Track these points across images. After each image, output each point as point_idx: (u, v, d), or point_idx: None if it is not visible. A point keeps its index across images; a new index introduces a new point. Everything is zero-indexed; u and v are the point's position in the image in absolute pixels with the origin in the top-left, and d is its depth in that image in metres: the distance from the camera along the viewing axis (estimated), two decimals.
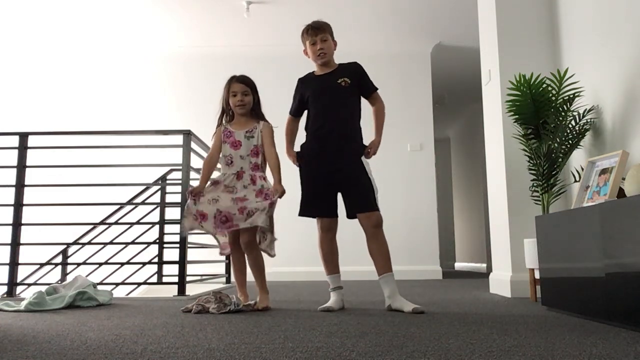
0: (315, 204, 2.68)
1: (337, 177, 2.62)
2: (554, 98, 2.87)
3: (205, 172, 2.77)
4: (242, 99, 2.75)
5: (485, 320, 2.13)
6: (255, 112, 2.81)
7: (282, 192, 2.65)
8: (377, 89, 2.79)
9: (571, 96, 2.88)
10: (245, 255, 2.75)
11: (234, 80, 2.78)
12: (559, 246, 2.41)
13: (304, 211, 2.70)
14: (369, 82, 2.77)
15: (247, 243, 2.67)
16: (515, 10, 3.48)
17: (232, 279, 5.07)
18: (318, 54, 2.70)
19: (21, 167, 3.67)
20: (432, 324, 2.00)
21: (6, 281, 3.58)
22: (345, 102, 2.69)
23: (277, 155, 2.74)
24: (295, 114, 2.84)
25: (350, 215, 2.65)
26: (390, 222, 5.35)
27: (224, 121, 2.84)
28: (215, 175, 2.80)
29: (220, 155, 2.77)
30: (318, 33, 2.70)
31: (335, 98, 2.69)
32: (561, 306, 2.39)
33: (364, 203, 2.59)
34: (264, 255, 2.75)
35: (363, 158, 2.65)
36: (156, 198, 4.60)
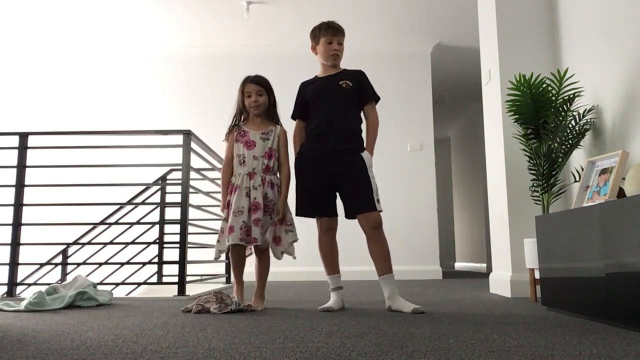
0: (314, 204, 2.67)
1: (334, 177, 2.61)
2: (554, 98, 2.87)
3: (225, 184, 2.75)
4: (256, 100, 2.75)
5: (485, 320, 2.13)
6: (271, 113, 2.82)
7: (284, 215, 2.71)
8: (375, 99, 2.75)
9: (571, 96, 2.88)
10: (257, 260, 2.78)
11: (248, 80, 2.78)
12: (559, 246, 2.41)
13: (303, 211, 2.69)
14: (369, 90, 2.74)
15: (262, 252, 2.76)
16: (515, 10, 3.48)
17: (232, 278, 5.08)
18: (332, 53, 2.71)
19: (21, 167, 3.67)
20: (432, 324, 2.00)
21: (6, 281, 3.58)
22: (345, 103, 2.67)
23: (290, 169, 2.79)
24: (301, 116, 2.78)
25: (348, 216, 2.65)
26: (390, 222, 5.36)
27: (239, 122, 2.81)
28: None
29: (234, 155, 2.75)
30: (337, 34, 2.72)
31: (335, 98, 2.67)
32: (561, 306, 2.40)
33: (361, 203, 2.57)
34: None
35: (365, 154, 2.61)
36: (156, 198, 4.60)
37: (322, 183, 2.64)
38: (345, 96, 2.68)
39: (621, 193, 2.32)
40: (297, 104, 2.81)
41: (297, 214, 2.70)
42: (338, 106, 2.67)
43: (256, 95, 2.75)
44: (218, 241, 2.68)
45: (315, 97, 2.71)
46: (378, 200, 2.57)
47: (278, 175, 2.80)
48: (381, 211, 2.58)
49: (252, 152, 2.71)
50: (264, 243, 2.68)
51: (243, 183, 2.67)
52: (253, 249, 2.76)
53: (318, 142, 2.65)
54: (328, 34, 2.71)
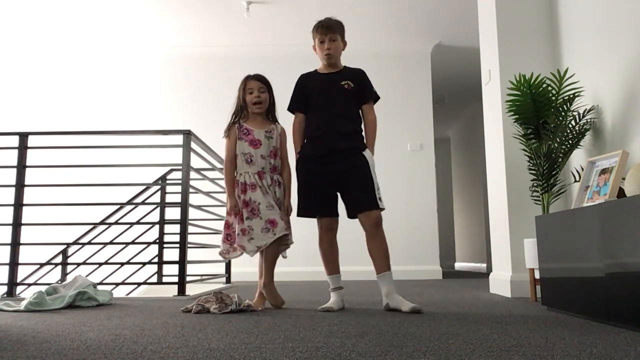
0: (315, 205, 2.67)
1: (336, 176, 2.61)
2: (554, 98, 2.87)
3: (231, 183, 2.70)
4: (259, 96, 2.75)
5: (485, 320, 2.13)
6: (270, 112, 2.83)
7: (289, 212, 2.76)
8: (375, 99, 2.75)
9: (571, 96, 2.88)
10: (265, 258, 2.74)
11: (250, 77, 2.79)
12: (559, 246, 2.41)
13: (303, 212, 2.69)
14: (369, 90, 2.74)
15: (273, 250, 2.72)
16: (515, 10, 3.48)
17: (232, 279, 5.07)
18: (325, 53, 2.71)
19: (21, 167, 3.67)
20: (432, 324, 2.00)
21: (6, 281, 3.58)
22: (347, 103, 2.68)
23: (290, 168, 2.80)
24: (301, 109, 2.76)
25: (350, 215, 2.65)
26: (390, 222, 5.38)
27: (239, 119, 2.79)
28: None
29: (238, 153, 2.73)
30: (328, 32, 2.71)
31: (337, 98, 2.67)
32: (561, 306, 2.40)
33: (364, 201, 2.58)
34: None
35: (367, 153, 2.62)
36: (156, 198, 4.60)
37: (323, 183, 2.64)
38: (347, 96, 2.68)
39: (621, 193, 2.32)
40: (296, 96, 2.78)
41: (298, 215, 2.70)
42: (340, 106, 2.67)
43: (258, 92, 2.76)
44: (252, 238, 2.59)
45: (317, 95, 2.71)
46: (380, 198, 2.59)
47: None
48: (383, 209, 2.59)
49: (259, 151, 2.71)
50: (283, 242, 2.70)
51: (257, 182, 2.67)
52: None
53: (319, 143, 2.65)
54: (319, 33, 2.71)
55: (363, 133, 2.73)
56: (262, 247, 2.60)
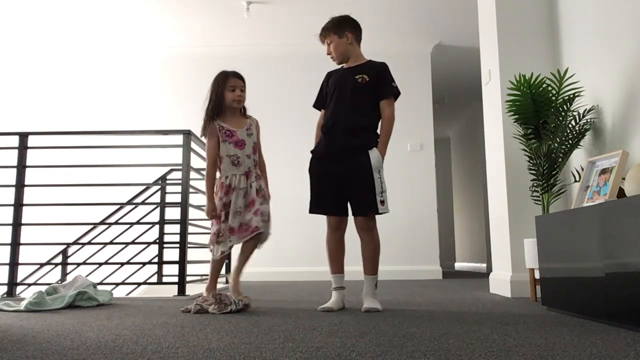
0: (323, 202, 2.65)
1: (340, 174, 2.59)
2: (554, 98, 2.88)
3: (210, 187, 2.72)
4: (240, 95, 2.76)
5: (485, 320, 2.13)
6: (242, 107, 2.85)
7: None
8: (392, 96, 2.68)
9: (571, 96, 2.88)
10: (244, 248, 2.75)
11: (232, 75, 2.80)
12: (559, 246, 2.41)
13: (313, 208, 2.69)
14: (386, 85, 2.67)
15: (253, 241, 2.73)
16: (515, 10, 3.48)
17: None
18: (330, 57, 2.74)
19: (21, 167, 3.67)
20: (432, 324, 2.00)
21: (6, 281, 3.58)
22: (358, 98, 2.62)
23: (264, 159, 2.88)
24: (323, 106, 2.78)
25: (354, 214, 2.65)
26: (390, 222, 5.39)
27: (216, 118, 2.78)
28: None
29: (223, 155, 2.72)
30: (323, 38, 2.74)
31: (348, 93, 2.64)
32: (561, 306, 2.40)
33: (357, 205, 2.58)
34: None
35: (372, 152, 2.55)
36: (156, 198, 4.60)
37: (331, 181, 2.62)
38: (360, 91, 2.63)
39: (621, 193, 2.32)
40: (319, 94, 2.82)
41: (309, 212, 2.70)
42: (349, 101, 2.63)
43: (240, 90, 2.77)
44: (219, 242, 2.69)
45: (331, 90, 2.71)
46: (382, 202, 2.54)
47: None
48: (386, 212, 2.57)
49: (245, 152, 2.72)
50: (265, 229, 2.69)
51: (240, 183, 2.68)
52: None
53: (327, 139, 2.65)
54: (320, 40, 2.76)
55: (378, 130, 2.69)
56: (225, 251, 2.72)
